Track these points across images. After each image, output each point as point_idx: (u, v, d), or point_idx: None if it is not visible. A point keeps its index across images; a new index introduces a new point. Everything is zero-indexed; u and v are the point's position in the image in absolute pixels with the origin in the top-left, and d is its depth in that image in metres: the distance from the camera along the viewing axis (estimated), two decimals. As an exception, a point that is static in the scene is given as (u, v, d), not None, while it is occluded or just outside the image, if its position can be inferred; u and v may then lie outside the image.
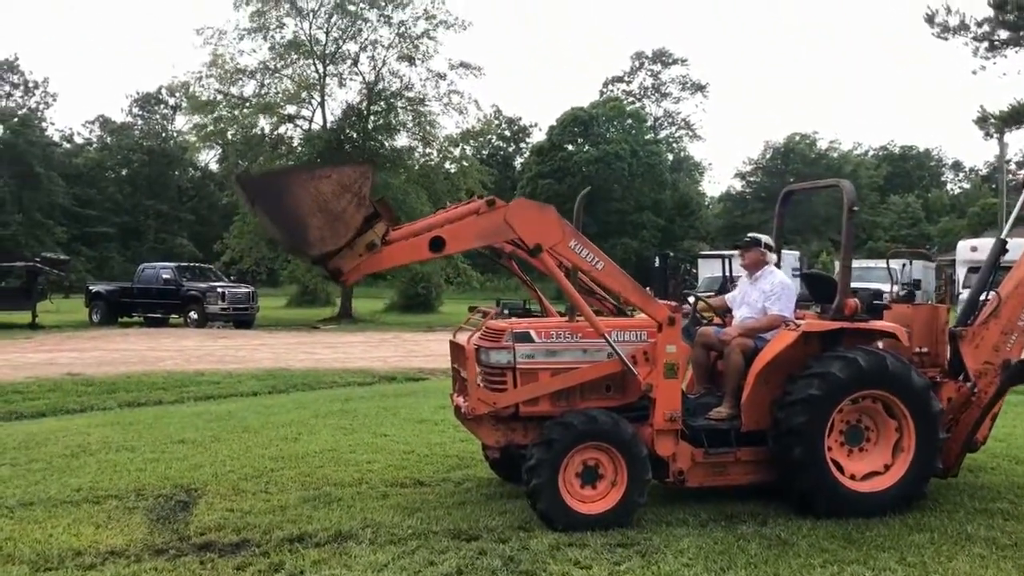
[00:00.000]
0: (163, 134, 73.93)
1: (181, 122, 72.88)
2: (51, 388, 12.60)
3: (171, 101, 74.78)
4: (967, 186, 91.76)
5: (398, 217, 6.08)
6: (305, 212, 5.62)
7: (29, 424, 10.47)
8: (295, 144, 36.13)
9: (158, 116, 76.70)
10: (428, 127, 35.17)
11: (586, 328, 6.64)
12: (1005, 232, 7.90)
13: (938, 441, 6.71)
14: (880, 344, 6.96)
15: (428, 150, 36.43)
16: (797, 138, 75.12)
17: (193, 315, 28.47)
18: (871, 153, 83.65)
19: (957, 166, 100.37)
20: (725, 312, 7.62)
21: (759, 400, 6.71)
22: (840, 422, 6.67)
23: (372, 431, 9.79)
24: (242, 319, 29.23)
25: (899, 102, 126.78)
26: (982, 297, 7.62)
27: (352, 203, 5.66)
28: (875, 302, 7.11)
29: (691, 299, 7.74)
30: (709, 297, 8.14)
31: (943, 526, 6.28)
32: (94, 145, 73.38)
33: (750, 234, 7.60)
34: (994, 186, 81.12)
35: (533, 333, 6.59)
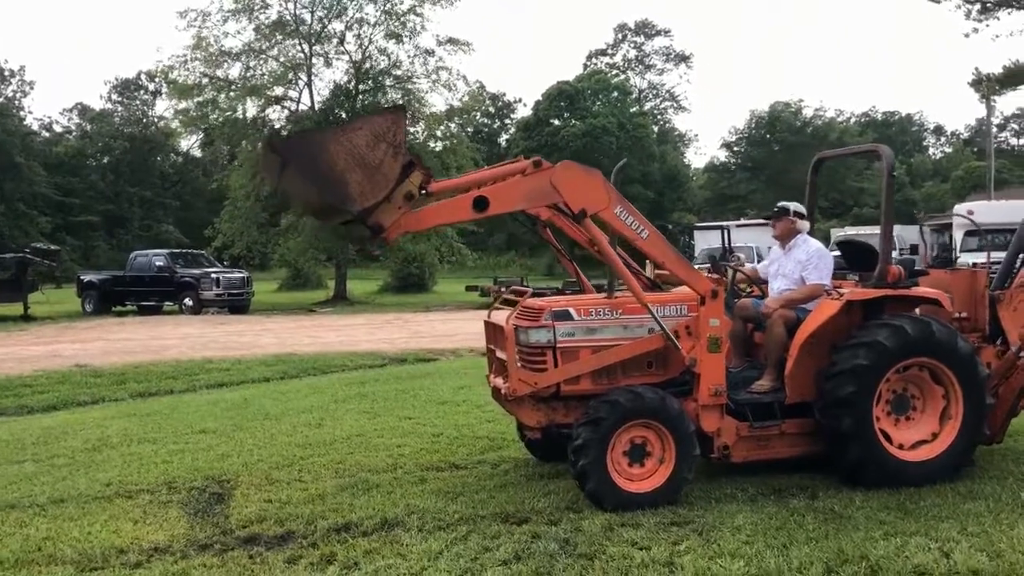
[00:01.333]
0: (144, 120, 73.10)
1: (162, 107, 72.30)
2: (60, 380, 12.38)
3: (151, 87, 74.04)
4: (949, 150, 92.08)
5: (430, 169, 5.87)
6: (343, 168, 5.41)
7: (42, 418, 10.28)
8: (278, 127, 35.72)
9: (138, 102, 75.82)
10: (416, 104, 34.79)
11: (626, 304, 6.51)
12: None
13: (985, 408, 6.63)
14: (917, 310, 6.86)
15: (414, 128, 36.09)
16: (780, 107, 74.99)
17: (188, 302, 28.14)
18: (853, 120, 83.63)
19: (939, 130, 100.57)
20: (762, 282, 7.48)
21: (803, 371, 6.60)
22: (887, 391, 6.56)
23: (396, 414, 9.64)
24: (237, 305, 28.94)
25: (879, 67, 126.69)
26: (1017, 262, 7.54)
27: (388, 153, 5.48)
28: (915, 268, 7.01)
29: (728, 271, 7.57)
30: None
31: (996, 493, 6.20)
32: (74, 133, 72.47)
33: (780, 203, 7.45)
34: (975, 149, 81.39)
35: (572, 311, 6.44)
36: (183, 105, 35.50)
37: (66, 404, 11.14)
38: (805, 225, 7.26)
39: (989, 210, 26.26)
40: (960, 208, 26.58)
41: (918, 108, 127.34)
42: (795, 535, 5.47)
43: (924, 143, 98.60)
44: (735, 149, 76.02)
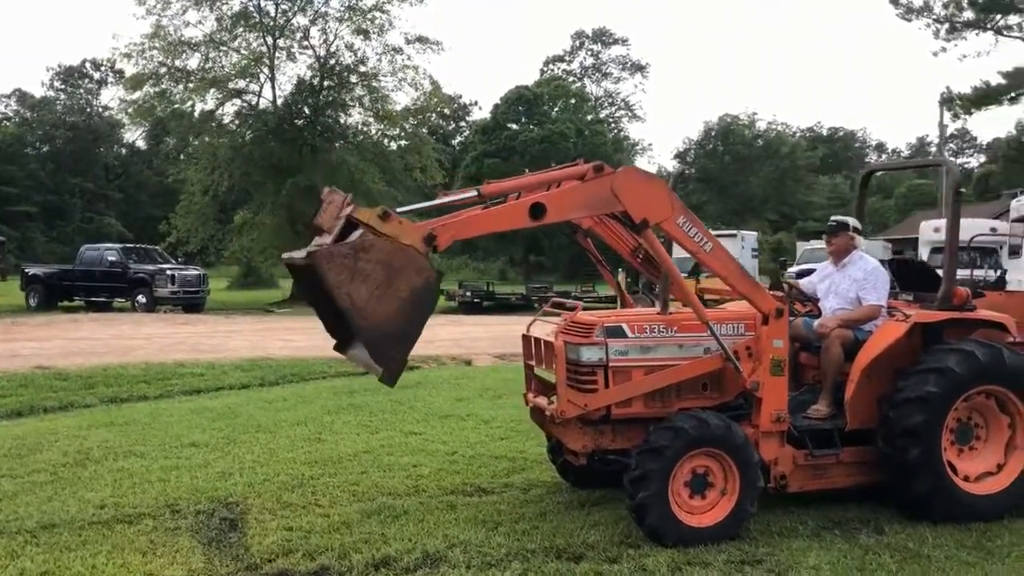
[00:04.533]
0: (88, 109, 70.94)
1: (107, 97, 70.29)
2: (22, 383, 11.44)
3: (96, 75, 71.96)
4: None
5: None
6: (392, 289, 4.85)
7: (10, 426, 9.43)
8: (226, 121, 34.64)
9: (82, 91, 73.62)
10: (381, 103, 34.07)
11: (682, 321, 6.06)
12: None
13: (1054, 438, 6.31)
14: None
15: (380, 126, 35.42)
16: (729, 119, 75.75)
17: (141, 299, 27.00)
18: (798, 134, 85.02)
19: (880, 147, 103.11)
20: (817, 300, 7.07)
21: (864, 397, 6.20)
22: (952, 420, 6.21)
23: (398, 429, 9.06)
24: (193, 303, 27.91)
25: (825, 84, 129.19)
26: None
27: (360, 258, 4.80)
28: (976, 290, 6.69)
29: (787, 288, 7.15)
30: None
31: (1074, 531, 5.88)
32: (13, 120, 70.00)
33: (836, 217, 7.07)
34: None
35: (626, 327, 5.96)
36: (136, 95, 34.25)
37: (32, 410, 10.28)
38: (862, 242, 6.89)
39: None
40: (926, 225, 26.71)
41: (861, 125, 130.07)
42: (879, 577, 5.07)
43: (867, 159, 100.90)
44: (688, 160, 76.55)
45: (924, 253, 26.29)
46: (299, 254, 5.07)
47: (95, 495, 6.64)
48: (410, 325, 4.91)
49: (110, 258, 27.93)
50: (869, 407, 6.20)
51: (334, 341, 5.74)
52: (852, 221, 6.95)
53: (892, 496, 6.21)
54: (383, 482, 7.05)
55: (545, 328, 6.39)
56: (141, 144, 71.74)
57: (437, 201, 5.57)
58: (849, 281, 6.76)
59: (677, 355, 6.01)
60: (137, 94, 33.93)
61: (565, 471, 6.92)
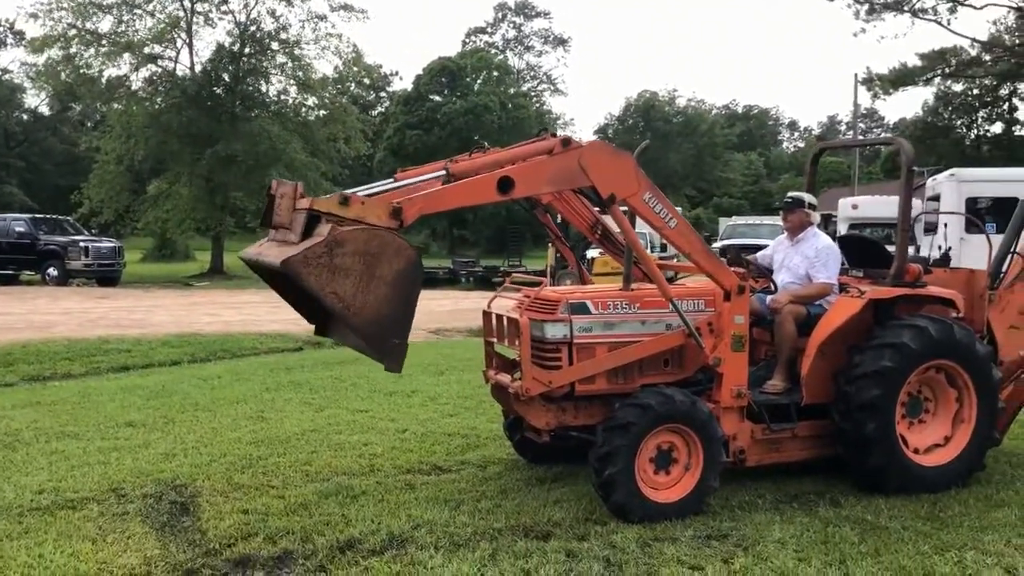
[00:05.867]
0: (-16, 72, 67.31)
1: (7, 59, 66.86)
2: (-67, 361, 10.88)
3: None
4: (801, 144, 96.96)
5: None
6: (385, 279, 4.76)
7: (-74, 407, 8.92)
8: (135, 88, 33.25)
9: (-22, 53, 69.92)
10: (303, 72, 33.23)
11: (644, 297, 6.05)
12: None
13: (998, 411, 6.52)
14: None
15: (298, 96, 34.58)
16: (648, 95, 76.54)
17: (52, 272, 25.92)
18: (715, 112, 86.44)
19: (792, 125, 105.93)
20: (771, 273, 7.11)
21: (819, 372, 6.29)
22: (903, 393, 6.33)
23: (343, 406, 8.87)
24: (108, 276, 26.89)
25: (744, 62, 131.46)
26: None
27: (341, 251, 4.66)
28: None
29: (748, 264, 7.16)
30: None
31: (1019, 500, 6.08)
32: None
33: (792, 193, 7.12)
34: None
35: (590, 304, 5.92)
36: (43, 58, 32.67)
37: (-52, 389, 9.77)
38: (816, 218, 6.95)
39: (872, 205, 27.17)
40: (845, 202, 27.40)
41: (774, 103, 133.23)
42: (846, 551, 5.14)
43: (779, 137, 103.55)
44: (609, 135, 77.06)
45: (842, 229, 27.05)
46: (270, 259, 4.85)
47: (31, 479, 6.31)
48: (402, 308, 4.82)
49: (18, 228, 26.70)
50: (824, 382, 6.29)
51: (313, 325, 5.58)
52: (808, 197, 7.02)
53: (848, 469, 6.32)
54: (335, 462, 6.88)
55: (506, 304, 6.31)
56: (45, 110, 68.66)
57: (403, 183, 5.40)
58: (800, 257, 6.83)
59: (640, 331, 6.00)
60: (43, 57, 32.37)
61: (523, 448, 6.86)
